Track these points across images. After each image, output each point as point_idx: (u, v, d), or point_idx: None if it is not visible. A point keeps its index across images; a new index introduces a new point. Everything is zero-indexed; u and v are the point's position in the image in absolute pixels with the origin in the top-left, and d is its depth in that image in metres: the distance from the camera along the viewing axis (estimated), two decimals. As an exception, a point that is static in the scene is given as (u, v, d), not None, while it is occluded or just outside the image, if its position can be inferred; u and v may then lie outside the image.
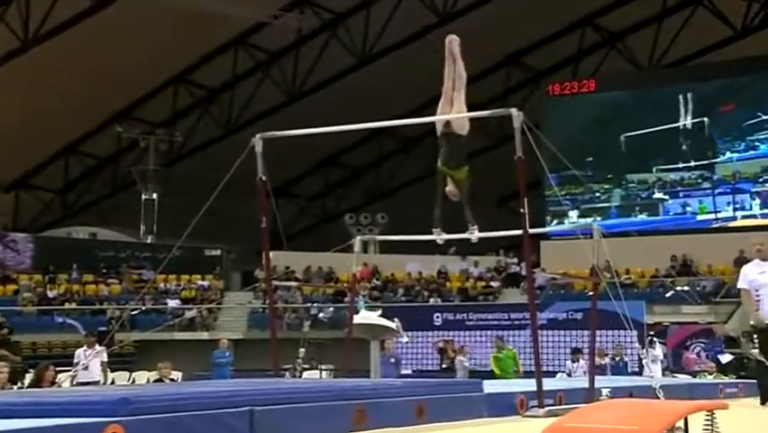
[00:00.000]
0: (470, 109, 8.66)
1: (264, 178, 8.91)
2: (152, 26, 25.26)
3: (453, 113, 8.02)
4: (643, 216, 27.12)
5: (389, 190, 34.34)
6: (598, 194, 27.67)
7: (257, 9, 25.27)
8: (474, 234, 8.18)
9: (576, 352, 15.89)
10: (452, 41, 7.97)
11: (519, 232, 8.44)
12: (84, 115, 29.01)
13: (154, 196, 29.81)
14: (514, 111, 7.92)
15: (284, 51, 28.55)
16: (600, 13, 28.42)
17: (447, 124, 8.07)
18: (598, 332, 11.51)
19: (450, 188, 8.11)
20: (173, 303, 25.31)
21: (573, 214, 27.14)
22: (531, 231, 8.54)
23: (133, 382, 19.22)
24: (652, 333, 17.05)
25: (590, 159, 26.80)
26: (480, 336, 19.88)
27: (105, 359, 13.96)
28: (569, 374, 15.97)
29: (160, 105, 29.76)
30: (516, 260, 26.05)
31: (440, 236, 8.45)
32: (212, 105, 30.24)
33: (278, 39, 27.70)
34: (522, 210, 8.02)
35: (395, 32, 26.62)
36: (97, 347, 13.62)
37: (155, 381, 13.56)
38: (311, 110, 27.53)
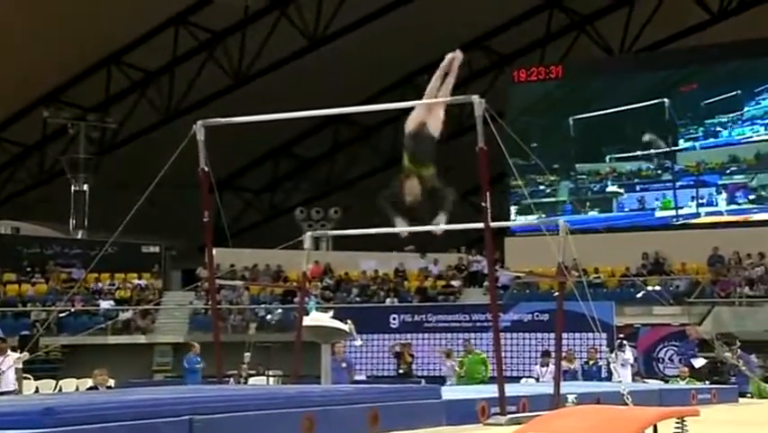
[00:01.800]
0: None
1: (207, 168, 8.84)
2: (84, 1, 24.89)
3: (433, 117, 8.03)
4: (594, 213, 26.17)
5: (344, 183, 34.34)
6: (542, 187, 26.40)
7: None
8: (441, 225, 8.14)
9: (546, 355, 16.09)
10: (456, 60, 8.17)
11: (481, 226, 8.50)
12: (7, 97, 28.47)
13: (85, 187, 29.38)
14: (476, 98, 7.96)
15: (229, 31, 28.30)
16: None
17: (423, 123, 8.07)
18: (565, 335, 11.65)
19: (410, 184, 7.93)
20: (106, 304, 25.00)
21: (512, 209, 26.16)
22: (493, 225, 8.60)
23: (60, 390, 18.97)
24: (621, 336, 17.30)
25: (534, 144, 24.68)
26: (440, 339, 19.97)
27: (20, 366, 13.70)
28: (537, 379, 16.14)
29: (91, 88, 29.29)
30: (478, 257, 26.23)
31: (403, 228, 8.38)
32: (149, 88, 29.87)
33: (224, 17, 27.47)
34: (484, 204, 8.08)
35: (350, 12, 26.59)
36: (11, 353, 13.35)
37: (89, 388, 13.37)
38: (259, 95, 27.42)
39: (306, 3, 27.08)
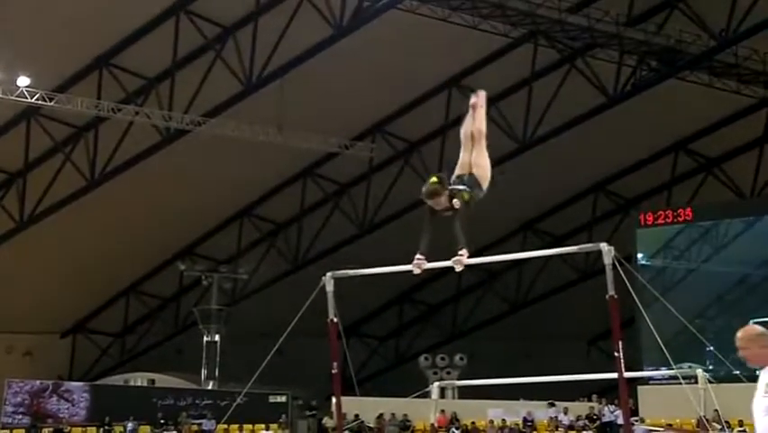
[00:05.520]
0: (556, 239, 8.57)
1: (336, 319, 8.91)
2: (216, 161, 26.24)
3: (478, 165, 7.87)
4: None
5: (469, 329, 34.01)
6: None
7: (327, 140, 26.05)
8: (462, 262, 7.83)
9: None
10: (480, 96, 7.95)
11: (613, 375, 8.18)
12: (146, 253, 29.87)
13: (217, 338, 30.02)
14: (604, 246, 7.81)
15: (355, 182, 29.14)
16: (694, 138, 28.43)
17: (470, 172, 7.89)
18: (710, 492, 10.90)
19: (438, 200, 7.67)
20: (235, 456, 25.01)
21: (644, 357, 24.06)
22: (627, 375, 8.27)
23: None
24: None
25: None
26: (574, 494, 19.03)
27: None
28: None
29: (224, 240, 30.45)
30: (609, 407, 25.17)
31: (419, 264, 8.13)
32: (278, 239, 30.78)
33: (349, 169, 28.34)
34: (617, 354, 7.80)
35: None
36: None
37: None
38: (384, 242, 27.84)
39: (428, 152, 27.69)
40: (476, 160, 7.94)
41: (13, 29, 21.76)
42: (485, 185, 7.95)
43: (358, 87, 24.64)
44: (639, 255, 26.27)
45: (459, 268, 7.89)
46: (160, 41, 22.59)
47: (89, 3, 21.78)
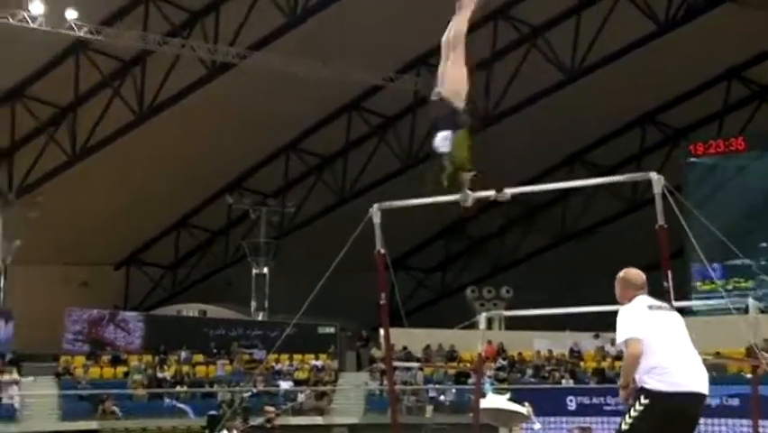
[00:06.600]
0: (603, 171, 8.47)
1: (383, 251, 8.93)
2: (263, 94, 26.21)
3: (448, 78, 7.11)
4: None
5: (514, 261, 33.98)
6: None
7: (371, 73, 25.84)
8: (506, 195, 7.71)
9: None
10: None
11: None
12: (195, 187, 30.18)
13: (265, 270, 30.40)
14: (653, 175, 7.72)
15: (400, 115, 28.97)
16: (747, 66, 27.68)
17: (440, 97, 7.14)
18: (761, 422, 10.88)
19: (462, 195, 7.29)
20: (286, 385, 25.45)
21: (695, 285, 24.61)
22: (675, 305, 8.21)
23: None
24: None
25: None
26: (621, 423, 19.11)
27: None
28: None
29: (271, 174, 30.63)
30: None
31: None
32: (325, 173, 30.86)
33: (394, 102, 28.16)
34: (666, 284, 7.75)
35: (519, 92, 26.67)
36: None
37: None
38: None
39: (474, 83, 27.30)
40: (450, 73, 7.20)
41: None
42: (459, 100, 7.17)
43: (402, 18, 24.30)
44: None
45: (504, 198, 7.82)
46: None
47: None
